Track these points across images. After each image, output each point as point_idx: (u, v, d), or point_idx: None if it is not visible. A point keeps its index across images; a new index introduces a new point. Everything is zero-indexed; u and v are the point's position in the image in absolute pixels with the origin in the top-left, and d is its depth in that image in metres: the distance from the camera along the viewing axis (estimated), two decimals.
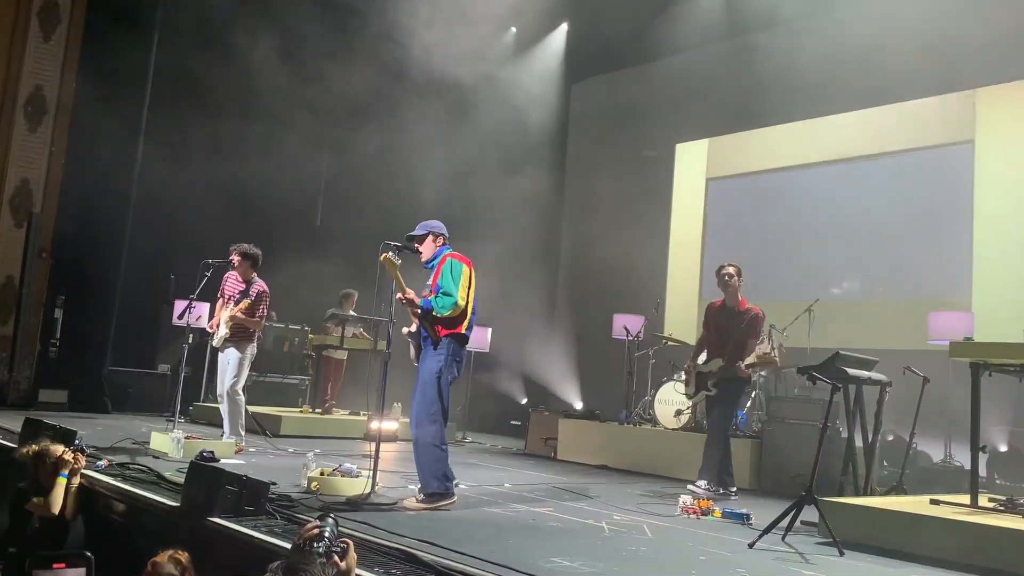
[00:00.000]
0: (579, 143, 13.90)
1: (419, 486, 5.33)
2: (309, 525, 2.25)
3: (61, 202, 10.56)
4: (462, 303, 5.29)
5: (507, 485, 6.66)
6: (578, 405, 11.94)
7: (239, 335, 7.30)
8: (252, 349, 7.42)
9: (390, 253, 5.25)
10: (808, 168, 10.86)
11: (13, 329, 9.75)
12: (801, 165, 10.92)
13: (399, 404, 9.42)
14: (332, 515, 2.31)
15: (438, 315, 5.26)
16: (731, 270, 6.93)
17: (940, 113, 9.74)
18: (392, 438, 8.95)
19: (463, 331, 5.39)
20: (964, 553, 4.41)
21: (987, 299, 8.88)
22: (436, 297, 5.30)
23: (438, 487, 5.20)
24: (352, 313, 10.28)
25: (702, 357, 7.12)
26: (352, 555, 2.24)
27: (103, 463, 5.66)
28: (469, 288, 5.38)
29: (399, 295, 5.32)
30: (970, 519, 4.64)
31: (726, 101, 11.39)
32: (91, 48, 10.54)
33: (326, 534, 2.19)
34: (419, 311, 5.31)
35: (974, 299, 9.02)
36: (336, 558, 2.19)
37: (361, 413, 10.09)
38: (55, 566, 1.44)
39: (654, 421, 8.89)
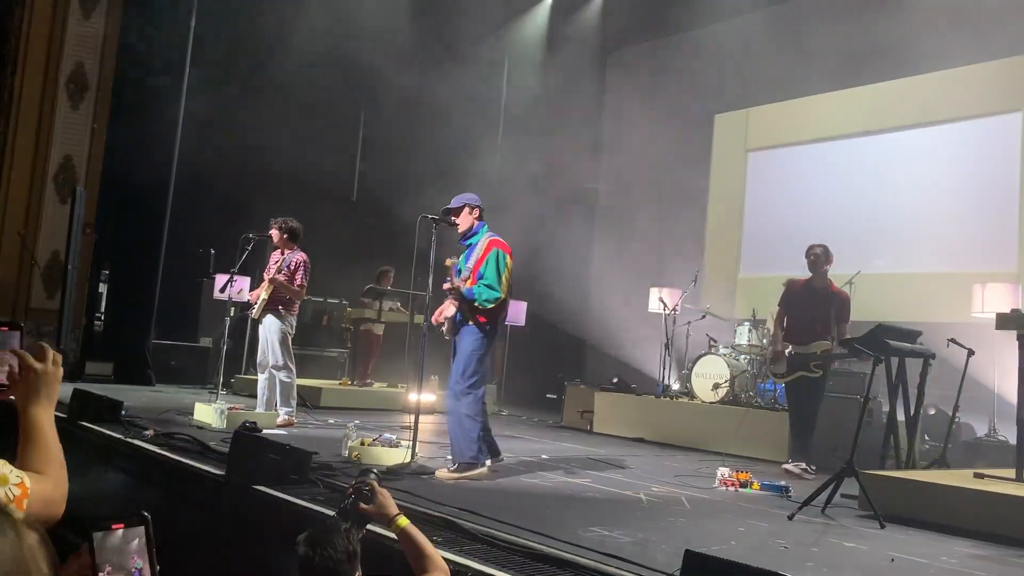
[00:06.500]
0: (615, 114, 13.77)
1: (451, 456, 5.45)
2: (354, 482, 2.39)
3: (104, 178, 10.71)
4: (503, 296, 5.42)
5: (544, 456, 6.70)
6: (614, 379, 11.91)
7: (276, 300, 7.27)
8: (292, 319, 7.38)
9: (454, 258, 5.49)
10: (851, 139, 10.65)
11: (60, 303, 9.94)
12: (844, 135, 10.71)
13: (436, 376, 9.49)
14: (375, 471, 2.46)
15: (480, 306, 5.32)
16: (818, 251, 6.92)
17: (987, 81, 9.48)
18: (430, 410, 9.02)
19: (500, 316, 5.57)
20: (1009, 526, 4.37)
21: None
22: (478, 287, 5.34)
23: (471, 457, 5.30)
24: (389, 288, 10.35)
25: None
26: (379, 495, 2.37)
27: (149, 433, 5.80)
28: (510, 277, 5.51)
29: (447, 285, 5.43)
30: (1016, 492, 4.58)
31: (766, 70, 11.18)
32: (131, 23, 10.61)
33: (363, 488, 2.32)
34: (462, 299, 5.39)
35: (1021, 270, 8.83)
36: (361, 503, 2.35)
37: (399, 385, 10.19)
38: (114, 527, 1.48)
39: (691, 394, 8.86)
